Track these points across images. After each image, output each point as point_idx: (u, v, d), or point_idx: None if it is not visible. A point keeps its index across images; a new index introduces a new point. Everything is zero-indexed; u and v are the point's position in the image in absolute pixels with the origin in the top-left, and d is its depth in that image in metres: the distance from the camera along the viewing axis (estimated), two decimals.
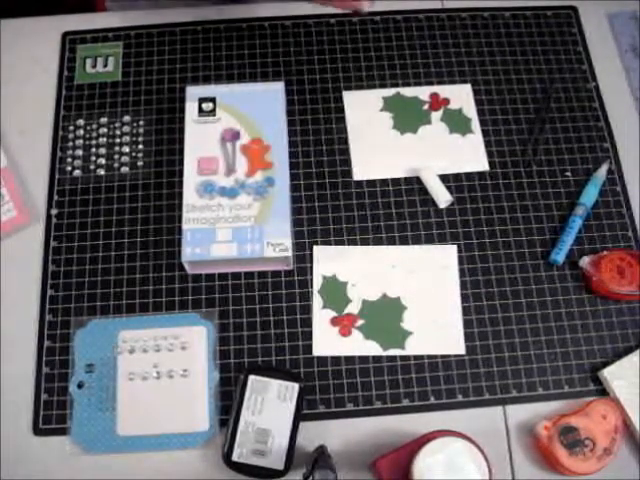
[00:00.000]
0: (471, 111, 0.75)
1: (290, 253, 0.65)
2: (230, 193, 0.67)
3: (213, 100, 0.71)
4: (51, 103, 0.75)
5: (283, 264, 0.67)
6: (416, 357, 0.64)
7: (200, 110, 0.70)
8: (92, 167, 0.72)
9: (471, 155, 0.73)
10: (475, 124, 0.74)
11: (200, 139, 0.69)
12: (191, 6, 0.80)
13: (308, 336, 0.65)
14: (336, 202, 0.70)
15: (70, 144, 0.73)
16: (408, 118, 0.74)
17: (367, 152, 0.73)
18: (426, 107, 0.75)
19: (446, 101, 0.76)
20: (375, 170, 0.72)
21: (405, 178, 0.71)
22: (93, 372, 0.63)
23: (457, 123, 0.74)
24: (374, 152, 0.73)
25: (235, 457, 0.58)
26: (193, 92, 0.71)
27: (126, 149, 0.73)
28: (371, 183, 0.71)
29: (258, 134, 0.69)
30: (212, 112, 0.70)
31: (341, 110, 0.74)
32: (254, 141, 0.69)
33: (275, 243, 0.65)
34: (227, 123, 0.70)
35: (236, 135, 0.69)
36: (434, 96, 0.76)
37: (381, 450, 0.57)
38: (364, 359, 0.64)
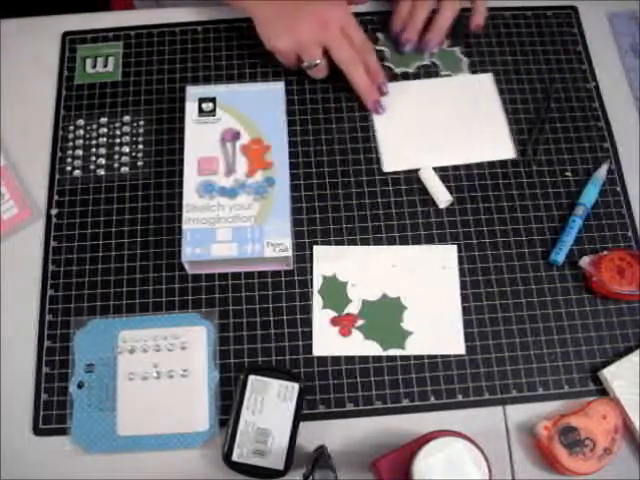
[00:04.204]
0: None
1: (290, 253, 0.64)
2: (230, 193, 0.67)
3: (213, 100, 0.71)
4: (51, 103, 0.75)
5: (283, 264, 0.67)
6: (416, 357, 0.64)
7: (200, 110, 0.70)
8: (92, 167, 0.72)
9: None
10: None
11: (200, 139, 0.69)
12: (197, 6, 0.80)
13: (308, 336, 0.65)
14: (336, 202, 0.70)
15: (70, 144, 0.73)
16: None
17: (395, 142, 0.73)
18: None
19: None
20: (403, 161, 0.72)
21: (405, 178, 0.71)
22: (93, 372, 0.63)
23: None
24: (402, 142, 0.73)
25: (235, 457, 0.58)
26: (193, 92, 0.71)
27: (126, 149, 0.73)
28: (371, 183, 0.71)
29: (258, 134, 0.69)
30: (212, 112, 0.70)
31: (341, 110, 0.74)
32: (254, 141, 0.69)
33: (275, 243, 0.65)
34: (227, 123, 0.70)
35: (236, 135, 0.69)
36: None
37: (381, 450, 0.57)
38: (364, 359, 0.64)
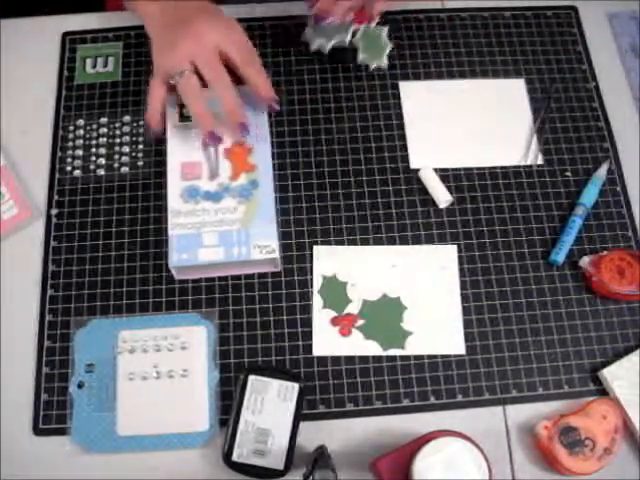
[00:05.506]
0: None
1: (277, 255, 0.64)
2: (215, 197, 0.66)
3: None
4: (51, 103, 0.75)
5: (271, 266, 0.67)
6: (416, 357, 0.64)
7: (181, 115, 0.70)
8: (92, 167, 0.72)
9: None
10: None
11: (182, 144, 0.69)
12: None
13: (308, 336, 0.65)
14: (336, 202, 0.70)
15: (70, 144, 0.73)
16: None
17: (423, 140, 0.73)
18: None
19: None
20: (432, 157, 0.72)
21: (405, 177, 0.71)
22: (93, 372, 0.63)
23: None
24: (429, 139, 0.73)
25: (235, 457, 0.58)
26: (172, 99, 0.71)
27: (126, 149, 0.73)
28: (371, 183, 0.71)
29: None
30: None
31: (341, 110, 0.74)
32: (236, 144, 0.69)
33: (262, 245, 0.64)
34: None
35: (218, 139, 0.69)
36: None
37: (381, 450, 0.57)
38: (364, 359, 0.64)
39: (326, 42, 0.74)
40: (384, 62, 0.74)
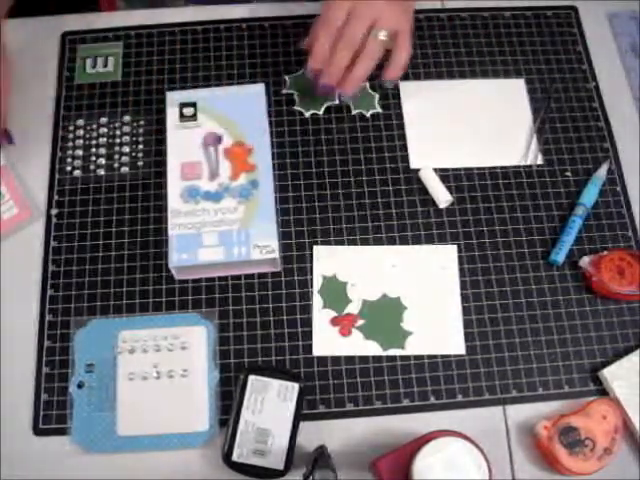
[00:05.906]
0: None
1: (277, 255, 0.64)
2: (215, 197, 0.66)
3: (194, 105, 0.70)
4: (51, 103, 0.75)
5: (271, 266, 0.67)
6: (416, 357, 0.64)
7: (181, 115, 0.70)
8: (92, 167, 0.72)
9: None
10: None
11: (182, 144, 0.69)
12: (192, 5, 0.80)
13: (308, 336, 0.65)
14: (336, 202, 0.70)
15: (70, 144, 0.73)
16: None
17: (423, 140, 0.73)
18: None
19: None
20: (432, 157, 0.72)
21: (405, 177, 0.71)
22: (93, 372, 0.63)
23: None
24: (429, 139, 0.73)
25: (235, 457, 0.58)
26: (174, 97, 0.71)
27: (126, 149, 0.72)
28: (371, 183, 0.71)
29: (240, 137, 0.69)
30: (193, 117, 0.70)
31: (341, 110, 0.74)
32: (236, 144, 0.69)
33: (262, 245, 0.64)
34: (208, 127, 0.69)
35: (218, 139, 0.69)
36: None
37: (381, 450, 0.57)
38: (364, 359, 0.64)
39: (318, 109, 0.74)
40: (378, 109, 0.74)
